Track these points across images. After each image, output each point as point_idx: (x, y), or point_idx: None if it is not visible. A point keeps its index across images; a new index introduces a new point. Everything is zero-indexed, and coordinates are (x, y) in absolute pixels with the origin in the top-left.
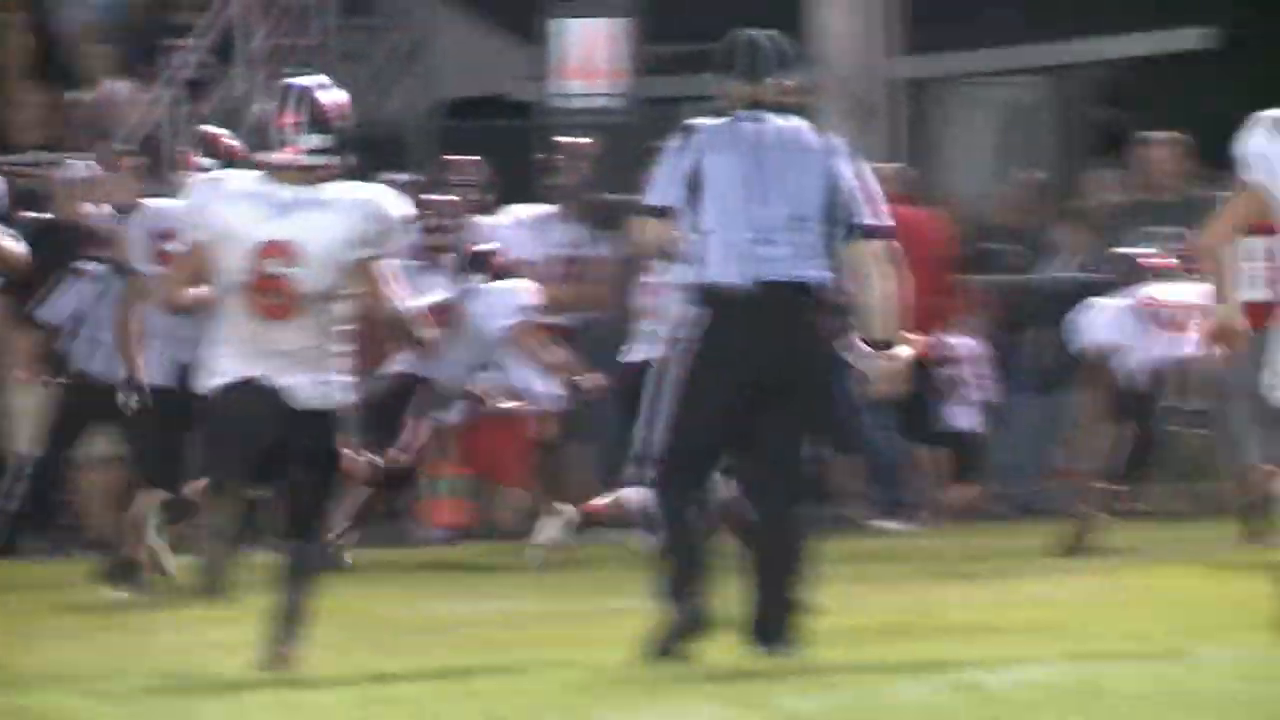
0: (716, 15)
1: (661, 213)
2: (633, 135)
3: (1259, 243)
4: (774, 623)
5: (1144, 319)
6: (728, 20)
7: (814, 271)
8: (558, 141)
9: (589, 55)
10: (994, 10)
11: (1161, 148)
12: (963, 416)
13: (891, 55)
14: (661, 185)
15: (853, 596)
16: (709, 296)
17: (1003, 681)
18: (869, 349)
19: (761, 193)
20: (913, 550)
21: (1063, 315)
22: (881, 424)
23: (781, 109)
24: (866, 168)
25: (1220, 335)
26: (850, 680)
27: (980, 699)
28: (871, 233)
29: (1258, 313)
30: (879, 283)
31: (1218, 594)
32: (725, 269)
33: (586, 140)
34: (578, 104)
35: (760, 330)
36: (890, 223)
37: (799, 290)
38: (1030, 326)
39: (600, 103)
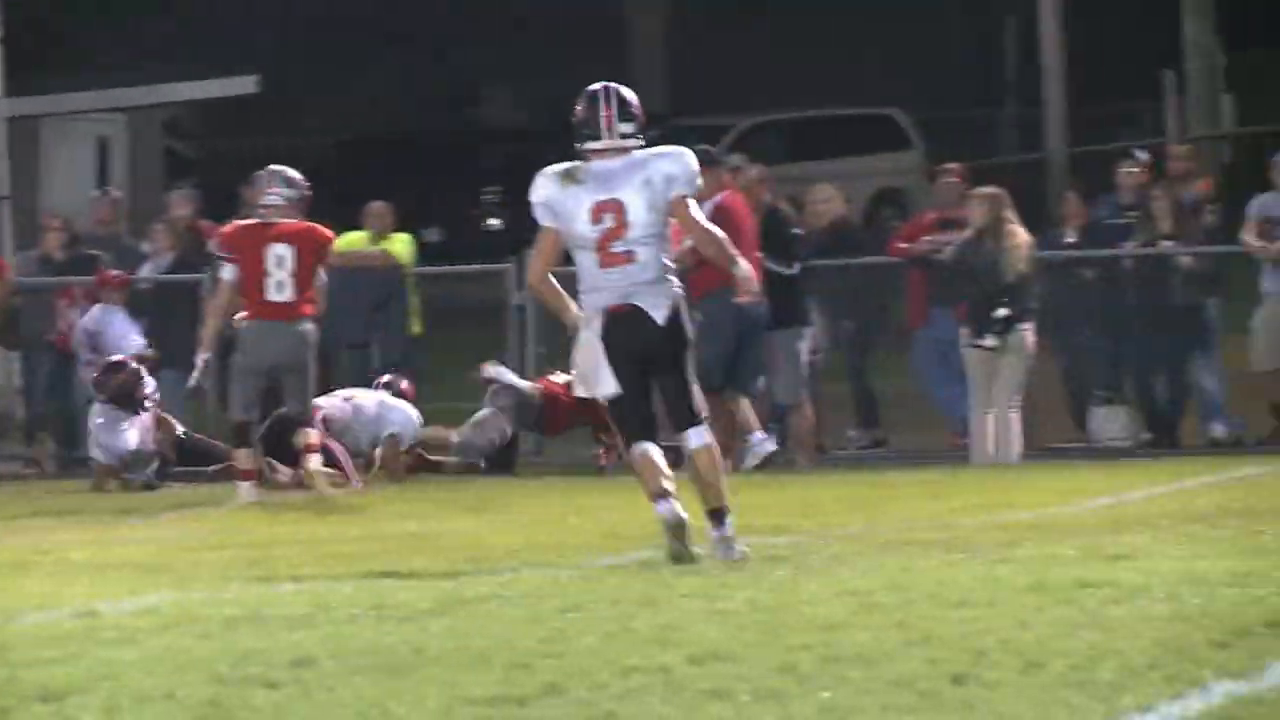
0: None
1: None
2: None
3: (285, 251)
4: None
5: None
6: None
7: None
8: None
9: None
10: (84, 59)
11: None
12: None
13: None
14: None
15: None
16: None
17: (116, 610)
18: None
19: None
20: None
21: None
22: None
23: None
24: None
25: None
26: None
27: (97, 625)
28: None
29: (279, 310)
30: None
31: (286, 536)
32: None
33: None
34: None
35: None
36: None
37: None
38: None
39: None
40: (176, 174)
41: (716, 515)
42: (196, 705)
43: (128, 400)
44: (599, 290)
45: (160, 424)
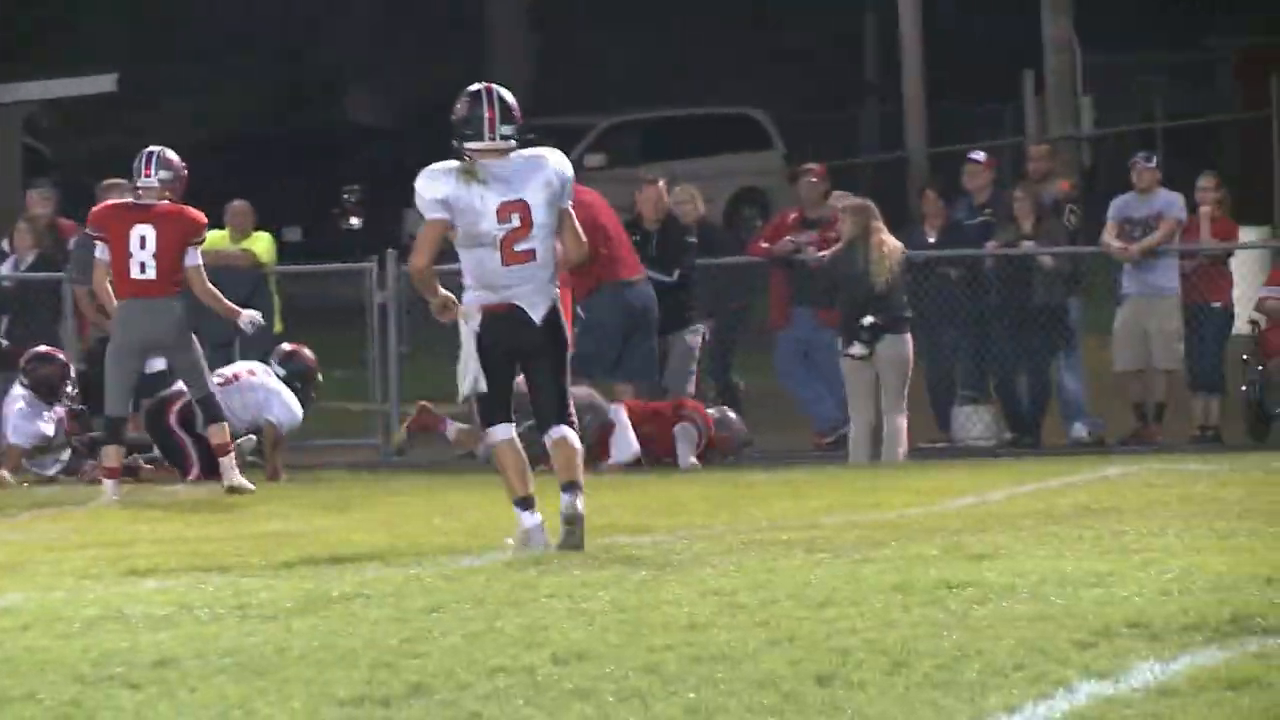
0: None
1: None
2: None
3: (148, 231)
4: None
5: None
6: None
7: None
8: None
9: None
10: None
11: None
12: None
13: None
14: None
15: None
16: None
17: None
18: None
19: None
20: None
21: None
22: None
23: None
24: None
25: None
26: None
27: None
28: None
29: (145, 288)
30: None
31: (148, 535)
32: None
33: None
34: None
35: None
36: None
37: None
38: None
39: None
40: (35, 172)
41: (570, 486)
42: (58, 705)
43: (49, 392)
44: (502, 287)
45: (70, 416)
